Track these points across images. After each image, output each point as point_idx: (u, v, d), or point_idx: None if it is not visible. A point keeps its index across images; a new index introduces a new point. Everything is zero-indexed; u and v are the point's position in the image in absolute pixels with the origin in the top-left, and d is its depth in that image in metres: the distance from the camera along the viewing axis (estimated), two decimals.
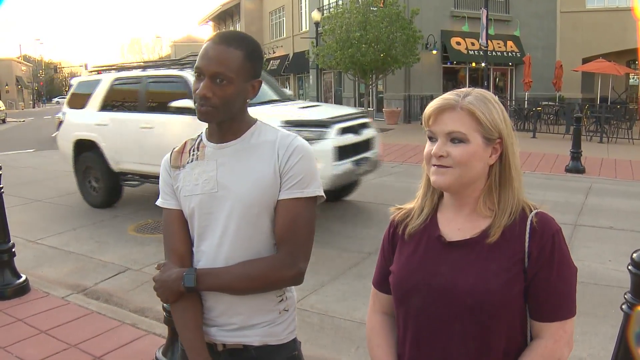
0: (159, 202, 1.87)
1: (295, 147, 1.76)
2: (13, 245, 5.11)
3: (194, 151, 1.84)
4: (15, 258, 5.13)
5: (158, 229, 7.53)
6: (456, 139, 1.46)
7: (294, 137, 1.80)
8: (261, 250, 1.76)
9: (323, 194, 1.79)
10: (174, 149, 1.90)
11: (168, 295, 1.74)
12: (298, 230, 1.74)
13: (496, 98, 1.52)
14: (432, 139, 1.52)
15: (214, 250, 1.76)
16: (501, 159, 1.51)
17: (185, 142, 1.89)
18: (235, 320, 1.78)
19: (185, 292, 1.72)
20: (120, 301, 5.13)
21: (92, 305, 4.88)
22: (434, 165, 1.50)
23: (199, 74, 1.69)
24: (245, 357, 1.80)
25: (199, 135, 1.88)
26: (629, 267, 2.30)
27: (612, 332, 2.77)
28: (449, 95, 1.51)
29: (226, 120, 1.76)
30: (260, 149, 1.77)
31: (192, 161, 1.82)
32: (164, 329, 3.96)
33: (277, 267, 1.72)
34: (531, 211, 1.51)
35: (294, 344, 1.88)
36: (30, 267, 5.95)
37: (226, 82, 1.67)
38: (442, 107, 1.49)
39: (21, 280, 5.05)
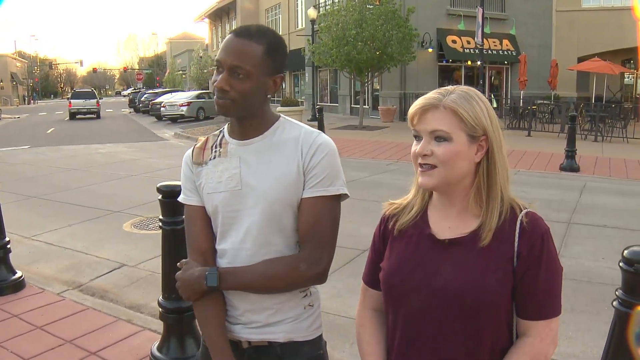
0: (180, 199, 1.85)
1: (320, 144, 1.72)
2: (8, 242, 5.10)
3: (216, 148, 1.81)
4: (10, 254, 5.13)
5: (153, 225, 7.54)
6: (440, 137, 1.47)
7: (317, 133, 1.76)
8: (283, 249, 1.75)
9: (347, 192, 1.76)
10: (196, 144, 1.88)
11: (190, 293, 1.73)
12: (321, 229, 1.72)
13: (481, 95, 1.53)
14: (417, 137, 1.53)
15: (236, 247, 1.75)
16: (488, 156, 1.51)
17: (207, 138, 1.87)
18: (260, 318, 1.76)
19: (208, 291, 1.72)
20: (115, 297, 5.13)
21: (88, 301, 4.90)
22: (420, 165, 1.51)
23: (219, 66, 1.68)
24: (270, 354, 1.78)
25: (220, 131, 1.86)
26: (620, 264, 2.32)
27: (605, 329, 2.79)
28: (432, 94, 1.52)
29: (247, 116, 1.73)
30: (284, 146, 1.74)
31: (214, 158, 1.79)
32: (159, 325, 3.97)
33: (300, 266, 1.70)
34: (521, 210, 1.52)
35: (319, 342, 1.85)
36: (26, 263, 5.95)
37: (244, 76, 1.65)
38: (425, 106, 1.50)
39: (16, 276, 5.05)
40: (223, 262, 1.77)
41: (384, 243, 1.70)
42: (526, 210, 1.52)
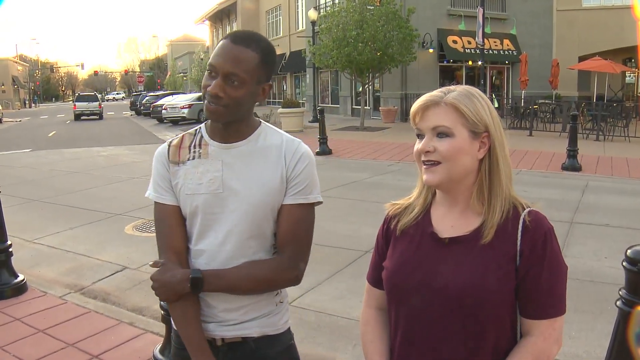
0: (152, 196, 1.84)
1: (302, 153, 1.79)
2: (10, 245, 5.10)
3: (195, 148, 1.81)
4: (12, 258, 5.13)
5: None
6: (442, 133, 1.48)
7: (298, 142, 1.82)
8: (259, 251, 1.79)
9: (322, 200, 1.84)
10: (171, 142, 1.87)
11: (169, 295, 1.73)
12: (300, 234, 1.79)
13: (482, 93, 1.54)
14: (420, 136, 1.54)
15: (215, 249, 1.76)
16: (490, 153, 1.52)
17: (183, 136, 1.87)
18: (235, 316, 1.80)
19: (191, 292, 1.72)
20: (117, 300, 5.13)
21: (90, 304, 4.89)
22: (424, 162, 1.52)
23: (212, 71, 1.68)
24: (244, 349, 1.82)
25: (197, 131, 1.86)
26: (624, 264, 2.32)
27: (608, 328, 2.79)
28: (433, 92, 1.54)
29: (233, 122, 1.75)
30: (267, 152, 1.78)
31: (193, 158, 1.79)
32: (161, 328, 3.97)
33: (281, 269, 1.76)
34: (524, 209, 1.51)
35: (289, 334, 1.93)
36: (28, 266, 5.95)
37: (239, 84, 1.66)
38: (427, 103, 1.51)
39: (19, 279, 5.05)
40: (200, 263, 1.78)
41: (386, 243, 1.70)
42: (529, 208, 1.52)
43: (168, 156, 1.83)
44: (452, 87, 1.54)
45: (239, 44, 1.67)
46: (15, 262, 5.21)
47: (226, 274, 1.73)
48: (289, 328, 1.94)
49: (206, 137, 1.82)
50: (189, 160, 1.80)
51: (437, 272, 1.52)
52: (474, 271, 1.47)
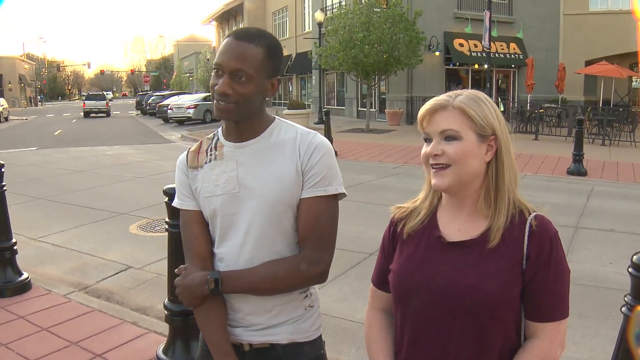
0: (175, 204, 1.84)
1: (317, 144, 1.73)
2: (15, 243, 5.12)
3: (211, 151, 1.80)
4: (17, 256, 5.14)
5: (159, 227, 7.55)
6: (449, 136, 1.49)
7: (314, 134, 1.77)
8: (284, 250, 1.75)
9: (344, 191, 1.78)
10: (190, 148, 1.87)
11: (191, 299, 1.72)
12: (321, 229, 1.73)
13: (488, 97, 1.55)
14: (427, 140, 1.55)
15: (236, 250, 1.74)
16: (497, 156, 1.53)
17: (201, 142, 1.86)
18: (262, 320, 1.76)
19: (210, 295, 1.71)
20: (121, 299, 5.14)
21: (94, 303, 4.90)
22: (432, 166, 1.52)
23: (218, 70, 1.67)
24: (272, 356, 1.78)
25: (214, 134, 1.85)
26: (629, 270, 2.30)
27: (612, 334, 2.77)
28: (441, 96, 1.54)
29: (244, 119, 1.73)
30: (281, 147, 1.74)
31: (210, 161, 1.78)
32: (164, 328, 3.97)
33: (302, 266, 1.71)
34: (530, 213, 1.52)
35: (320, 342, 1.87)
36: (32, 264, 5.97)
37: (246, 79, 1.64)
38: (434, 107, 1.52)
39: (23, 277, 5.07)
40: (222, 266, 1.76)
41: (393, 246, 1.71)
42: (535, 213, 1.53)
43: (187, 162, 1.83)
44: (459, 91, 1.55)
45: (242, 40, 1.66)
46: (19, 260, 5.22)
47: (245, 274, 1.70)
48: (320, 336, 1.87)
49: (222, 138, 1.81)
50: (206, 163, 1.79)
51: (437, 274, 1.53)
52: (478, 274, 1.48)
